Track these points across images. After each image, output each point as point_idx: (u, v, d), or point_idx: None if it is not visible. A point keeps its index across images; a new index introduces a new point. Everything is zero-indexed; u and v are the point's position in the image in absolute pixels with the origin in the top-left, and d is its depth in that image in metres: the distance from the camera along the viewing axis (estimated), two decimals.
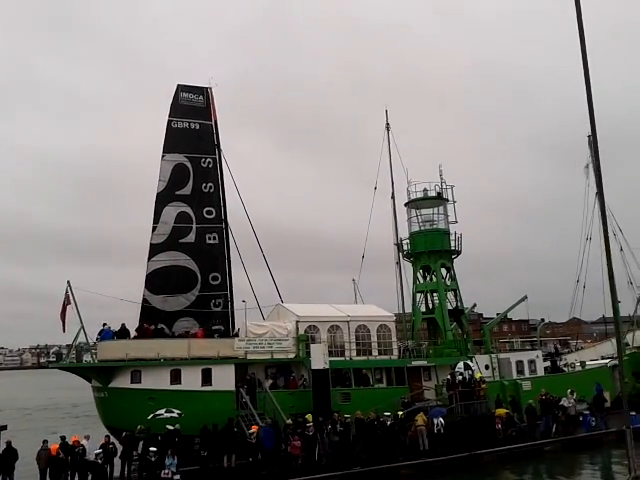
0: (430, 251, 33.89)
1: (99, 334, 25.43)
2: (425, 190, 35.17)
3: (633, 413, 26.82)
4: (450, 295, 34.33)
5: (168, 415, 22.11)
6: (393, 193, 37.67)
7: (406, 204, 35.99)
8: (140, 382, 24.33)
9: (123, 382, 24.35)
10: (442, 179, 35.28)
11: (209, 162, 32.53)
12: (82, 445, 19.37)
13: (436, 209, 35.27)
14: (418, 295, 35.18)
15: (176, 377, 24.64)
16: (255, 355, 26.29)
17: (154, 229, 30.61)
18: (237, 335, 27.24)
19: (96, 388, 25.28)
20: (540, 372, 31.70)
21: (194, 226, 31.21)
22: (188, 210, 31.26)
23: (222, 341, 26.65)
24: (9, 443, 19.57)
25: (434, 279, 34.19)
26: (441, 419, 23.56)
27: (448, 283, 34.47)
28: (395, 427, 22.58)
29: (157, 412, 22.23)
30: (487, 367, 30.61)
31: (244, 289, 31.68)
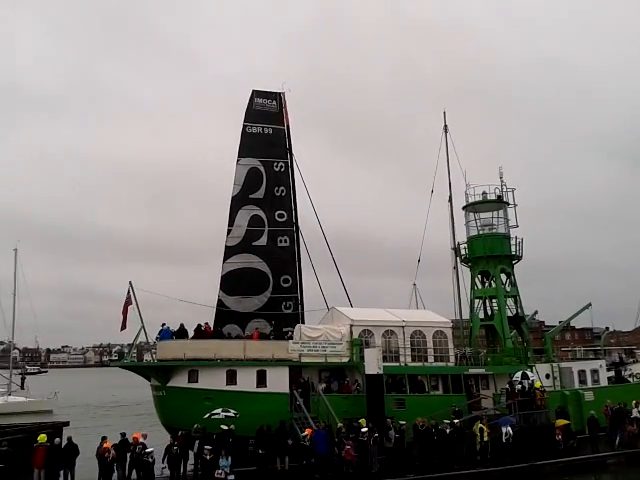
0: (489, 256, 33.04)
1: (158, 334, 26.12)
2: (484, 193, 34.35)
3: None
4: (510, 301, 33.34)
5: (224, 415, 22.42)
6: (451, 196, 37.02)
7: (464, 207, 35.25)
8: (197, 382, 24.78)
9: (181, 381, 24.87)
10: (502, 181, 34.40)
11: (281, 166, 33.46)
12: (142, 443, 19.89)
13: (496, 212, 34.39)
14: (476, 301, 34.36)
15: (232, 378, 24.97)
16: (309, 358, 26.35)
17: (229, 232, 31.75)
18: (291, 338, 27.39)
19: (155, 387, 25.94)
20: (603, 382, 30.44)
21: (266, 229, 32.19)
22: (261, 213, 32.27)
23: (277, 343, 26.85)
24: (70, 438, 20.31)
25: (493, 285, 33.31)
26: (509, 428, 22.96)
27: (508, 289, 33.50)
28: (454, 435, 22.12)
29: (213, 412, 22.55)
30: (548, 376, 29.58)
31: (312, 292, 32.32)
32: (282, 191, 33.10)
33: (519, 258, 33.54)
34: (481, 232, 33.97)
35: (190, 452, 21.35)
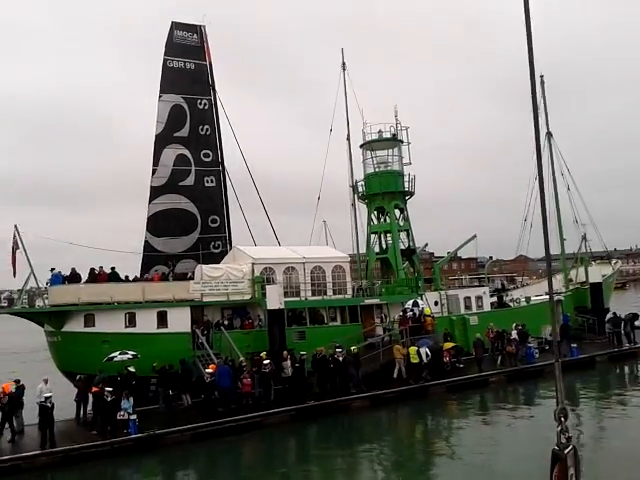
0: (384, 192, 34.25)
1: (49, 278, 25.04)
2: (380, 132, 35.16)
3: (574, 345, 28.60)
4: (403, 235, 35.04)
5: (123, 357, 22.19)
6: (349, 134, 37.61)
7: (361, 146, 35.97)
8: (94, 326, 24.29)
9: (76, 326, 24.25)
10: (397, 120, 35.33)
11: (205, 104, 32.58)
12: (13, 393, 19.37)
13: (391, 150, 35.41)
14: (372, 236, 35.77)
15: (131, 320, 24.69)
16: (211, 297, 26.45)
17: (154, 172, 30.89)
18: (192, 278, 27.25)
19: (49, 332, 25.13)
20: (487, 307, 33.02)
21: (193, 169, 31.65)
22: (186, 153, 31.58)
23: (177, 284, 26.67)
24: (17, 381, 19.97)
25: (388, 220, 34.73)
26: (427, 349, 24.59)
27: (401, 224, 35.12)
28: (349, 361, 23.29)
29: (111, 354, 22.26)
30: (436, 303, 31.69)
31: (240, 231, 32.64)
32: (207, 130, 32.37)
33: (412, 194, 35.03)
34: (377, 170, 34.95)
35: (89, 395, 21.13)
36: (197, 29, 33.16)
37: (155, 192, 30.89)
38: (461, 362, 26.95)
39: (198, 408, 21.15)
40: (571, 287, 38.23)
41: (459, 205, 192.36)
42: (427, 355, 24.46)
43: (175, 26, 32.58)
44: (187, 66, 32.46)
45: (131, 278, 27.19)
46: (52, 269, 25.16)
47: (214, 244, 31.32)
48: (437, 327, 27.82)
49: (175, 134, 31.55)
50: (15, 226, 24.82)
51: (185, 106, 31.99)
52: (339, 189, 40.48)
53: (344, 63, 37.69)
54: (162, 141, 31.29)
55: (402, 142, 35.32)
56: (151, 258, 30.28)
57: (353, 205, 36.57)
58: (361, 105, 36.49)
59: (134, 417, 18.64)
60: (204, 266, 27.66)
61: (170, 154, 31.26)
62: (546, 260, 5.40)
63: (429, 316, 27.39)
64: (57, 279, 24.91)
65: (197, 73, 32.72)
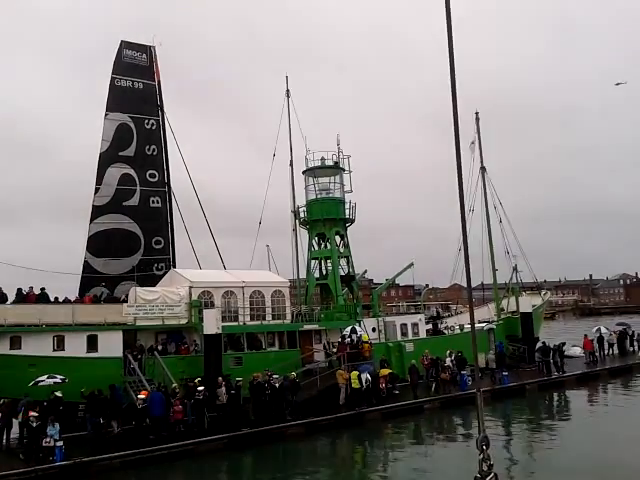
0: (326, 219, 34.67)
1: None
2: (323, 159, 35.72)
3: (505, 373, 29.48)
4: (343, 262, 35.45)
5: (51, 381, 21.24)
6: (292, 160, 38.03)
7: (304, 172, 36.37)
8: (20, 348, 23.21)
9: (1, 348, 23.06)
10: (339, 149, 36.01)
11: (152, 124, 32.42)
12: None
13: (333, 178, 35.98)
14: (313, 261, 36.01)
15: (59, 344, 23.76)
16: (145, 321, 25.82)
17: (97, 190, 30.29)
18: (126, 301, 26.54)
19: None
20: (422, 334, 33.69)
21: (138, 189, 31.18)
22: (132, 172, 31.13)
23: (109, 307, 25.95)
24: None
25: (329, 246, 35.08)
26: (368, 375, 24.74)
27: (342, 250, 35.55)
28: (285, 388, 23.13)
29: (38, 379, 21.29)
30: (374, 330, 32.11)
31: (184, 254, 32.51)
32: (153, 150, 32.16)
33: (352, 221, 35.62)
34: (319, 196, 35.39)
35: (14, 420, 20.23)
36: (147, 49, 33.27)
37: (97, 211, 30.32)
38: (396, 389, 27.28)
39: (128, 435, 20.45)
40: (503, 316, 39.55)
41: (397, 233, 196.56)
42: (367, 381, 24.64)
43: (125, 45, 32.55)
44: (135, 85, 32.38)
45: (65, 300, 26.22)
46: None
47: (157, 266, 30.90)
48: (374, 353, 28.11)
49: (120, 153, 31.21)
50: None
51: (132, 125, 31.80)
52: (281, 214, 40.78)
53: (288, 90, 38.29)
54: (107, 160, 30.88)
55: (344, 170, 35.97)
56: (90, 279, 29.43)
57: (294, 230, 36.81)
58: (304, 131, 37.04)
59: (60, 444, 17.86)
60: (139, 288, 27.02)
61: (114, 173, 30.85)
62: (467, 291, 5.66)
63: (367, 342, 27.67)
64: None
65: (145, 93, 32.68)
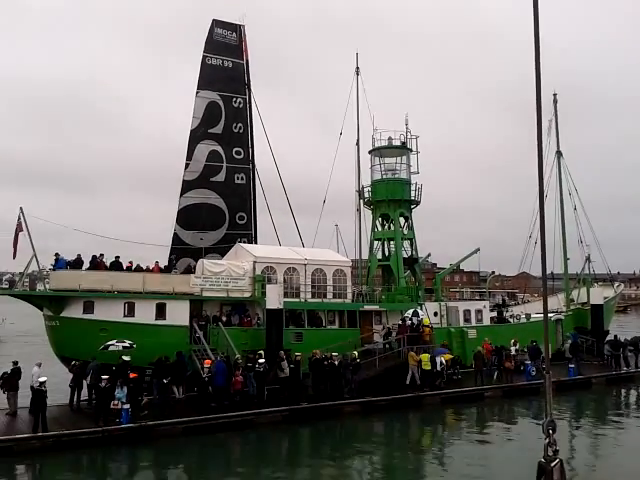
0: (390, 200, 34.29)
1: (53, 263, 25.11)
2: (390, 139, 35.25)
3: (572, 365, 28.49)
4: (406, 244, 35.06)
5: (119, 345, 22.23)
6: (358, 140, 37.67)
7: (370, 151, 36.03)
8: (93, 313, 24.36)
9: (75, 312, 24.31)
10: (407, 129, 35.43)
11: (240, 102, 33.65)
12: None
13: (399, 158, 35.48)
14: (376, 242, 35.80)
15: (130, 310, 24.74)
16: (211, 292, 26.50)
17: (187, 166, 31.93)
18: (194, 272, 27.31)
19: (48, 317, 25.19)
20: (486, 321, 32.97)
21: (224, 165, 32.61)
22: (219, 149, 32.57)
23: (178, 277, 26.74)
24: (15, 363, 20.21)
25: (392, 227, 34.75)
26: (442, 358, 25.06)
27: (405, 232, 35.14)
28: (346, 366, 23.25)
29: (108, 343, 22.31)
30: (436, 314, 31.67)
31: (265, 229, 33.74)
32: (240, 127, 33.32)
33: (417, 203, 35.06)
34: (384, 176, 35.02)
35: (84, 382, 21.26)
36: (237, 28, 34.26)
37: (187, 186, 31.81)
38: (458, 374, 26.88)
39: (191, 402, 21.18)
40: (572, 307, 38.14)
41: (463, 217, 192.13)
42: (442, 364, 25.03)
43: (216, 24, 33.62)
44: (225, 64, 33.50)
45: (137, 268, 27.23)
46: (56, 254, 25.26)
47: (240, 240, 31.98)
48: (435, 338, 27.77)
49: (209, 130, 32.53)
50: (20, 208, 24.95)
51: (221, 103, 33.03)
52: (345, 193, 40.61)
53: (358, 67, 37.84)
54: (196, 136, 32.29)
55: (411, 151, 35.38)
56: (179, 251, 30.92)
57: (358, 210, 36.64)
58: (372, 109, 36.66)
59: (127, 407, 18.68)
60: (206, 261, 27.74)
61: (203, 149, 32.27)
62: (542, 279, 5.44)
63: (427, 326, 27.36)
64: (61, 264, 24.99)
65: (234, 71, 33.78)
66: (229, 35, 33.80)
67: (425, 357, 24.88)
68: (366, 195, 35.67)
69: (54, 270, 24.88)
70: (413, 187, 34.85)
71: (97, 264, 25.71)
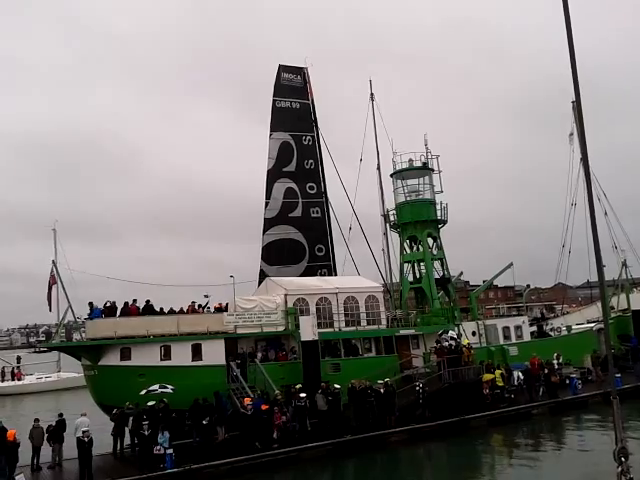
0: (416, 221, 33.98)
1: (89, 313, 25.33)
2: (410, 160, 35.07)
3: (618, 375, 27.47)
4: (437, 264, 34.55)
5: (161, 390, 22.16)
6: (379, 164, 37.65)
7: (392, 175, 35.91)
8: (130, 359, 24.41)
9: (113, 360, 24.39)
10: (427, 149, 35.22)
11: (309, 139, 35.71)
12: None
13: (422, 179, 35.24)
14: (405, 265, 35.39)
15: (166, 353, 24.76)
16: (244, 329, 26.43)
17: (266, 204, 33.96)
18: (226, 310, 27.29)
19: (86, 366, 25.33)
20: (527, 337, 32.18)
21: (300, 201, 34.54)
22: (294, 186, 34.59)
23: (211, 316, 26.73)
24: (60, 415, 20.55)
25: (421, 249, 34.35)
26: (519, 373, 25.40)
27: (435, 252, 34.66)
28: (389, 394, 22.77)
29: (150, 388, 22.26)
30: (474, 334, 31.04)
31: (341, 259, 35.21)
32: (311, 164, 35.26)
33: (444, 222, 34.67)
34: (408, 198, 34.79)
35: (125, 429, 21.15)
36: (301, 71, 36.39)
37: (268, 223, 33.61)
38: (509, 392, 26.07)
39: (233, 442, 20.90)
40: (613, 315, 37.04)
41: (491, 231, 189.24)
42: (519, 378, 25.37)
43: (282, 69, 35.75)
44: (293, 105, 35.68)
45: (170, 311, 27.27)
46: (90, 303, 25.53)
47: (320, 272, 33.41)
48: (476, 358, 27.11)
49: (284, 169, 34.51)
50: (53, 261, 25.43)
51: (292, 142, 35.07)
52: (369, 218, 40.43)
53: (372, 93, 38.01)
54: (273, 175, 34.24)
55: (433, 170, 35.14)
56: None
57: (385, 234, 36.41)
58: (389, 133, 36.72)
59: (170, 451, 18.53)
60: (237, 298, 27.72)
61: (280, 188, 34.21)
62: (600, 289, 5.19)
63: (466, 347, 26.74)
64: (97, 312, 25.22)
65: (301, 111, 35.89)
66: (294, 78, 36.07)
67: (497, 373, 25.21)
68: (392, 218, 35.45)
69: (90, 319, 25.10)
70: (438, 207, 34.53)
71: (130, 310, 25.88)
